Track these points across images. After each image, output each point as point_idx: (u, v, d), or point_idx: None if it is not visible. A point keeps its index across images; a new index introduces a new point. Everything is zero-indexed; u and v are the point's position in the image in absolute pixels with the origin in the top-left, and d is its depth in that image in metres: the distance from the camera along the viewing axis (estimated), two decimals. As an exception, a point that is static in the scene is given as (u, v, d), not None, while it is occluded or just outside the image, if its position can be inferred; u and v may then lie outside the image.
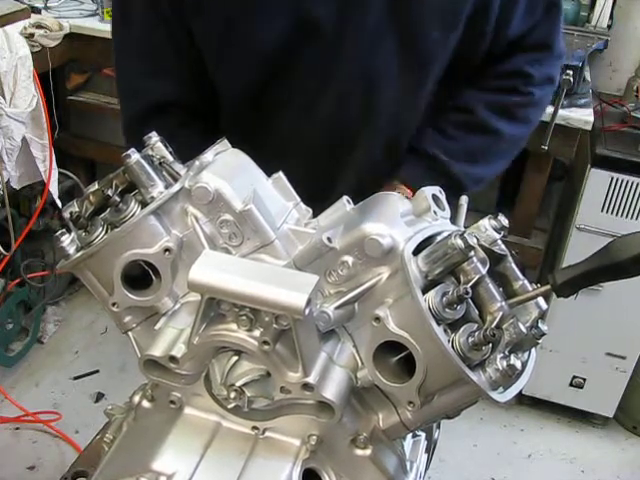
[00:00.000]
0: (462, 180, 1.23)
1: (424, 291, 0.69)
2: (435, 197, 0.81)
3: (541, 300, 0.77)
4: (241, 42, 1.11)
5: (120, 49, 1.20)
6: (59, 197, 2.46)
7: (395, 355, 0.72)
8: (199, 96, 1.22)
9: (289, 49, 1.11)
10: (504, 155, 1.29)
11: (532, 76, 1.23)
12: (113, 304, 0.78)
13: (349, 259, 0.72)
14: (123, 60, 1.21)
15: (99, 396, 2.52)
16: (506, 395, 0.72)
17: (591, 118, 2.11)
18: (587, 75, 2.32)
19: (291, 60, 1.12)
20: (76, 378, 2.60)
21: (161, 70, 1.18)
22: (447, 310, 0.68)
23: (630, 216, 2.17)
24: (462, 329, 0.69)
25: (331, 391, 0.71)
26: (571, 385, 2.49)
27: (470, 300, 0.71)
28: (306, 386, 0.70)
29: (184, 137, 1.11)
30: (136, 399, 0.82)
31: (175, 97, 1.20)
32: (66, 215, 0.78)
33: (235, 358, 0.73)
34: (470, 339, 0.68)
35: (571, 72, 2.04)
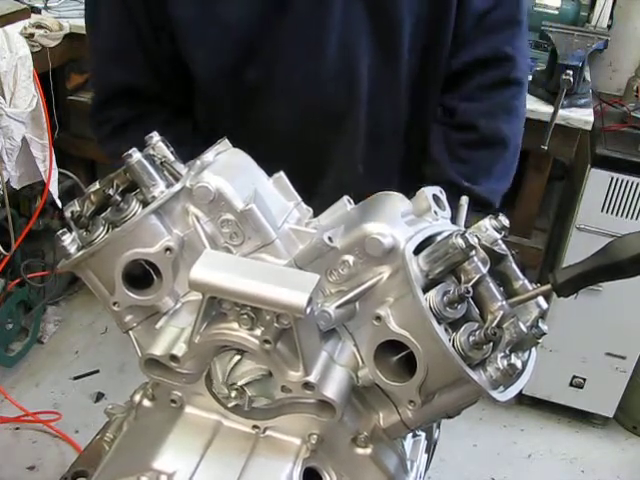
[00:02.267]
0: (489, 199, 1.24)
1: (425, 290, 0.69)
2: (435, 197, 0.81)
3: (541, 300, 0.77)
4: (216, 22, 1.11)
5: (90, 32, 1.22)
6: (59, 197, 2.46)
7: (396, 354, 0.72)
8: (161, 84, 1.22)
9: (264, 27, 1.11)
10: (513, 160, 1.30)
11: (513, 58, 1.23)
12: (114, 303, 0.78)
13: (350, 258, 0.72)
14: (92, 44, 1.23)
15: (99, 396, 2.52)
16: (506, 394, 0.72)
17: (591, 118, 2.11)
18: (587, 75, 2.33)
19: (266, 39, 1.12)
20: (76, 378, 2.60)
21: (122, 55, 1.19)
22: (448, 309, 0.68)
23: (630, 216, 2.17)
24: (463, 328, 0.69)
25: (332, 390, 0.71)
26: (571, 385, 2.49)
27: (471, 299, 0.71)
28: (307, 385, 0.71)
29: (143, 124, 1.15)
30: (137, 398, 0.82)
31: (135, 83, 1.20)
32: (67, 214, 0.78)
33: (237, 357, 0.73)
34: (471, 338, 0.68)
35: (571, 72, 2.04)
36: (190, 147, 1.20)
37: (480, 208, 1.18)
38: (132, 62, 1.19)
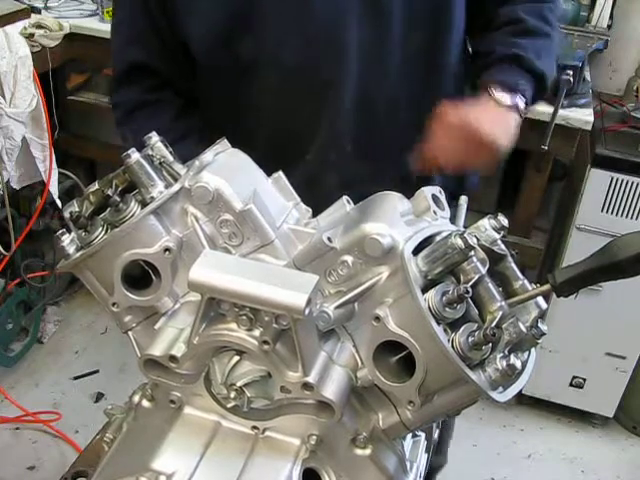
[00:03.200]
0: (546, 75, 1.25)
1: (424, 291, 0.69)
2: (435, 197, 0.81)
3: (541, 300, 0.77)
4: None
5: (113, 15, 1.30)
6: (59, 197, 2.46)
7: (395, 355, 0.72)
8: (176, 70, 1.25)
9: None
10: (554, 56, 1.31)
11: None
12: (113, 304, 0.78)
13: (349, 259, 0.72)
14: (114, 27, 1.29)
15: (99, 396, 2.52)
16: (506, 395, 0.72)
17: (591, 118, 2.11)
18: (587, 75, 2.32)
19: (255, 6, 1.14)
20: (76, 378, 2.60)
21: (139, 38, 1.24)
22: (447, 309, 0.68)
23: (630, 216, 2.17)
24: (462, 329, 0.69)
25: (331, 390, 0.71)
26: (571, 385, 2.49)
27: (470, 300, 0.71)
28: (306, 386, 0.71)
29: (154, 110, 1.23)
30: (136, 399, 0.82)
31: (151, 64, 1.25)
32: (66, 215, 0.78)
33: (236, 358, 0.73)
34: (470, 339, 0.68)
35: (571, 72, 2.03)
36: (196, 141, 1.18)
37: (539, 82, 1.21)
38: (149, 45, 1.24)
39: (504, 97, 1.19)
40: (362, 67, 1.19)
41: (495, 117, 1.17)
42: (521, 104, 1.20)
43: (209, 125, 1.30)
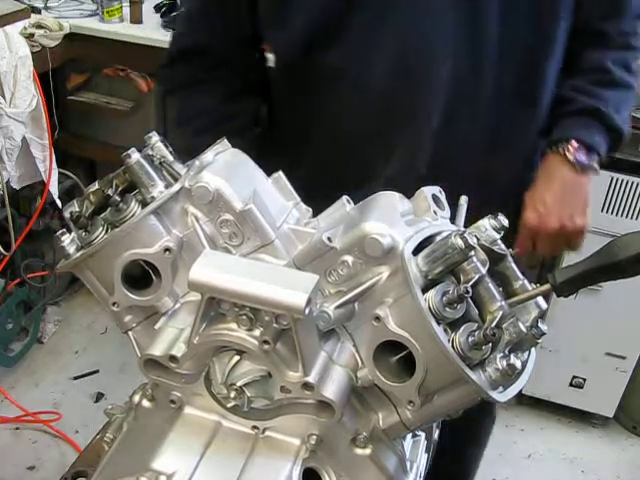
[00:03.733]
0: (623, 133, 1.24)
1: (424, 290, 0.69)
2: (435, 197, 0.81)
3: (541, 300, 0.77)
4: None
5: None
6: (59, 197, 2.46)
7: (395, 354, 0.72)
8: (235, 51, 1.25)
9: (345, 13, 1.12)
10: (630, 107, 1.31)
11: (637, 33, 1.27)
12: (113, 304, 0.78)
13: (349, 259, 0.72)
14: (184, 5, 1.36)
15: (99, 396, 2.52)
16: (506, 395, 0.72)
17: (591, 118, 2.10)
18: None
19: (346, 21, 1.13)
20: (76, 378, 2.60)
21: (203, 17, 1.26)
22: (447, 309, 0.68)
23: (630, 216, 2.17)
24: (462, 328, 0.69)
25: (331, 390, 0.71)
26: (571, 385, 2.49)
27: (470, 300, 0.71)
28: (306, 385, 0.70)
29: (208, 81, 1.25)
30: (136, 399, 0.82)
31: (209, 44, 1.25)
32: (66, 215, 0.78)
33: (236, 358, 0.73)
34: (470, 338, 0.68)
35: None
36: (240, 125, 1.24)
37: (615, 136, 1.21)
38: (211, 24, 1.24)
39: (580, 158, 1.19)
40: (452, 100, 1.18)
41: (576, 195, 1.21)
42: (596, 165, 1.21)
43: (278, 132, 1.31)
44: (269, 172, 0.82)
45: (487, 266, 0.73)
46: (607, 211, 2.17)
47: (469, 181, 1.11)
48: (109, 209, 0.77)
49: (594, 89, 1.23)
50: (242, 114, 1.29)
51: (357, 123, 1.20)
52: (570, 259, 2.20)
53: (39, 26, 2.30)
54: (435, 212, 0.79)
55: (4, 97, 2.14)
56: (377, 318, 0.70)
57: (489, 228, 0.76)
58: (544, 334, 0.73)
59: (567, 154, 1.20)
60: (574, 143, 1.20)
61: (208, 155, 0.78)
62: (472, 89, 1.19)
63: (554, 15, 1.18)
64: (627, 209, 2.16)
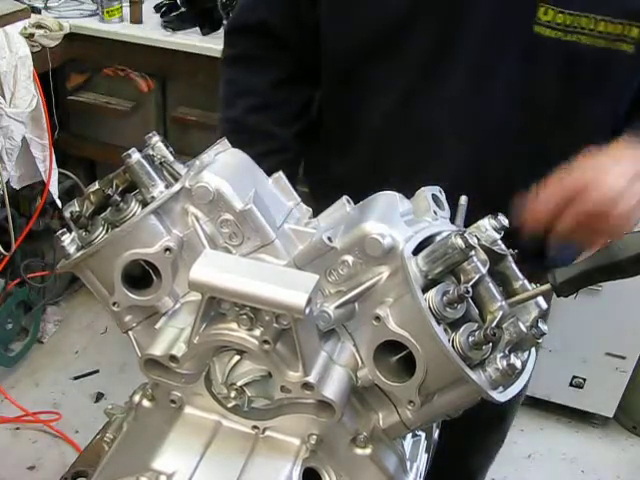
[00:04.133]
0: None
1: (424, 290, 0.69)
2: (435, 197, 0.81)
3: (541, 300, 0.77)
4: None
5: None
6: (59, 197, 2.46)
7: (395, 354, 0.72)
8: (294, 34, 1.23)
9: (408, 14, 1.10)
10: None
11: None
12: (113, 303, 0.78)
13: (349, 258, 0.72)
14: None
15: (99, 396, 2.52)
16: (506, 394, 0.72)
17: (591, 118, 2.10)
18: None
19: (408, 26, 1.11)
20: (76, 378, 2.60)
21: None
22: (447, 309, 0.68)
23: (630, 216, 2.17)
24: (462, 328, 0.69)
25: (331, 390, 0.71)
26: (571, 385, 2.49)
27: (470, 299, 0.71)
28: (306, 385, 0.70)
29: (264, 58, 1.25)
30: (136, 398, 0.82)
31: (270, 23, 1.23)
32: (67, 215, 0.78)
33: (237, 358, 0.73)
34: (470, 338, 0.68)
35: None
36: (290, 112, 1.26)
37: None
38: (274, 4, 1.23)
39: None
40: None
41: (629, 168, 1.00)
42: None
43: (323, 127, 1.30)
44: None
45: (487, 266, 0.73)
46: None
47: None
48: (109, 209, 0.77)
49: None
50: (291, 102, 1.28)
51: (381, 140, 1.20)
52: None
53: (39, 26, 2.30)
54: (435, 212, 0.79)
55: (4, 97, 2.14)
56: (377, 318, 0.70)
57: (489, 228, 0.76)
58: (544, 334, 0.73)
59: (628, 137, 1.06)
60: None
61: (208, 155, 0.78)
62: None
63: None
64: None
